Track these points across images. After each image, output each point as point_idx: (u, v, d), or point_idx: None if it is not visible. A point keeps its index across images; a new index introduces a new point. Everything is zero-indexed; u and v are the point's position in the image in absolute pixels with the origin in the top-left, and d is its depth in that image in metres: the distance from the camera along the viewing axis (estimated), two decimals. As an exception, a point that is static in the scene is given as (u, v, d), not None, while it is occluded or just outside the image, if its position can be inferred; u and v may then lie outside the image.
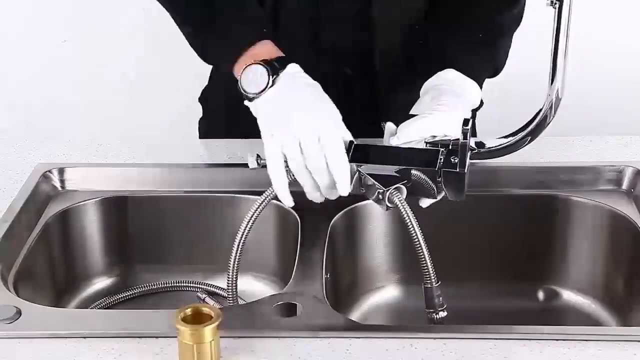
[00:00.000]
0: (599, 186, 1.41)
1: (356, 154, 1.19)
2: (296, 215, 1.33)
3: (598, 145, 1.50)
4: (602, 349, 1.05)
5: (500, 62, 1.42)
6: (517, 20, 1.43)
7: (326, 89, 1.49)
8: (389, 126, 1.23)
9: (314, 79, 1.47)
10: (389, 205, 1.16)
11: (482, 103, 1.46)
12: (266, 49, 1.28)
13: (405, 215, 1.15)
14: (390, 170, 1.18)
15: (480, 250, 1.42)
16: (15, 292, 1.20)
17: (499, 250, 1.42)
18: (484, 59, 1.39)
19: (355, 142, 1.20)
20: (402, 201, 1.15)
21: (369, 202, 1.35)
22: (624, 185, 1.41)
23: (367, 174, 1.18)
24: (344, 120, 1.41)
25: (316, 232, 1.29)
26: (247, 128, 1.27)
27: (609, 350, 1.05)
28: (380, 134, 1.26)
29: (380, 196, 1.16)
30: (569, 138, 1.52)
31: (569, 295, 1.41)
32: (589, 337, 1.07)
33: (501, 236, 1.41)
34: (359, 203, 1.36)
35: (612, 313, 1.37)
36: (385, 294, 1.42)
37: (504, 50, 1.43)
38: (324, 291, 1.18)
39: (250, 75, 1.23)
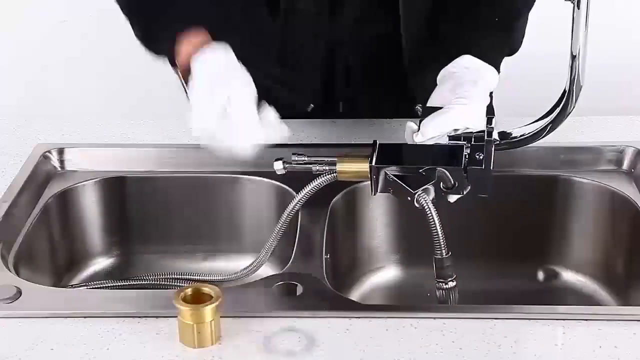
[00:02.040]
0: (599, 166, 1.41)
1: (381, 154, 1.20)
2: (296, 195, 1.33)
3: (599, 126, 1.50)
4: (602, 328, 1.05)
5: (516, 43, 1.42)
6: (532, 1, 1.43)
7: (349, 70, 1.48)
8: (410, 125, 1.24)
9: (330, 62, 1.47)
10: (416, 205, 1.17)
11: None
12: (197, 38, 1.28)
13: (430, 217, 1.17)
14: (415, 169, 1.19)
15: (480, 231, 1.42)
16: (16, 272, 1.20)
17: (499, 230, 1.42)
18: (500, 43, 1.38)
19: (379, 142, 1.21)
20: (429, 203, 1.17)
21: (369, 182, 1.35)
22: (625, 166, 1.41)
23: (393, 174, 1.19)
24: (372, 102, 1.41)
25: (316, 213, 1.29)
26: None
27: (609, 329, 1.05)
28: (410, 114, 1.27)
29: (408, 198, 1.17)
30: (570, 118, 1.52)
31: (569, 275, 1.42)
32: (589, 316, 1.08)
33: (501, 217, 1.41)
34: (359, 183, 1.36)
35: (612, 293, 1.37)
36: (385, 274, 1.42)
37: (521, 31, 1.43)
38: (324, 271, 1.18)
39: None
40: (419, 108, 1.26)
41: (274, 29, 1.44)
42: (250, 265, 1.31)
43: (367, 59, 1.49)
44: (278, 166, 1.24)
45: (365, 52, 1.49)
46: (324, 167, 1.22)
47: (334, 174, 1.22)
